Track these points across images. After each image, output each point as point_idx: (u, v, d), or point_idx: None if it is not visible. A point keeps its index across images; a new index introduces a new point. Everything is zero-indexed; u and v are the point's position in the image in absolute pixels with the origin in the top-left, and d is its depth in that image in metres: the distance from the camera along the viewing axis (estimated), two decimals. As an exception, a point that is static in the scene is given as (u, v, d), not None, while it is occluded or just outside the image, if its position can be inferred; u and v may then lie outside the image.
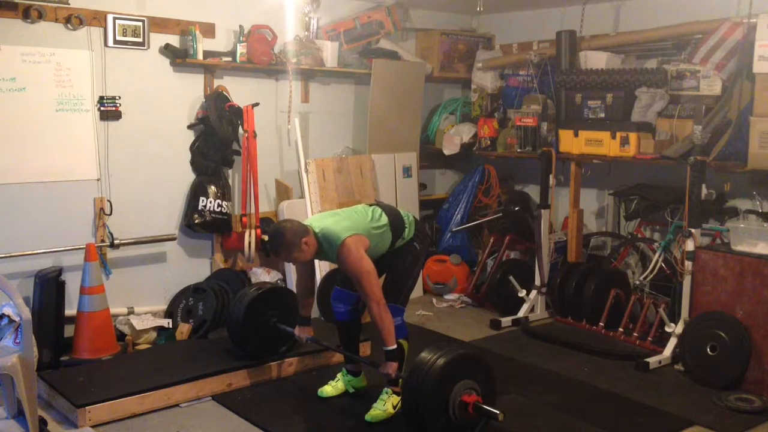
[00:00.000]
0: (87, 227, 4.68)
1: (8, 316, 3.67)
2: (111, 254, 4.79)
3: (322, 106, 5.80)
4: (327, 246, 3.59)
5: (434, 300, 6.04)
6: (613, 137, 5.14)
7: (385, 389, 3.78)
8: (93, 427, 3.56)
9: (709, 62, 4.80)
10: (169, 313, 4.92)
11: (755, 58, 4.44)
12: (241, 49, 5.11)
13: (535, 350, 4.87)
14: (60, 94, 4.48)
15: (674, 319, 4.66)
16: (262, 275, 5.19)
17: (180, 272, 5.10)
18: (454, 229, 6.35)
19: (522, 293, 5.46)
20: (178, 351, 4.43)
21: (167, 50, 4.86)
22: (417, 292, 6.09)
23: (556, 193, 5.64)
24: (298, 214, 4.97)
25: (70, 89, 4.51)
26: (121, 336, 4.62)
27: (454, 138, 6.30)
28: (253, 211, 5.20)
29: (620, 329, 5.00)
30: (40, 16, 4.31)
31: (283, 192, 5.48)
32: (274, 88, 5.49)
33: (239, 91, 5.20)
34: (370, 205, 3.88)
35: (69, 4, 4.43)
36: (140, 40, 4.71)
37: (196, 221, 4.97)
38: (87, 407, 3.56)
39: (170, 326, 4.80)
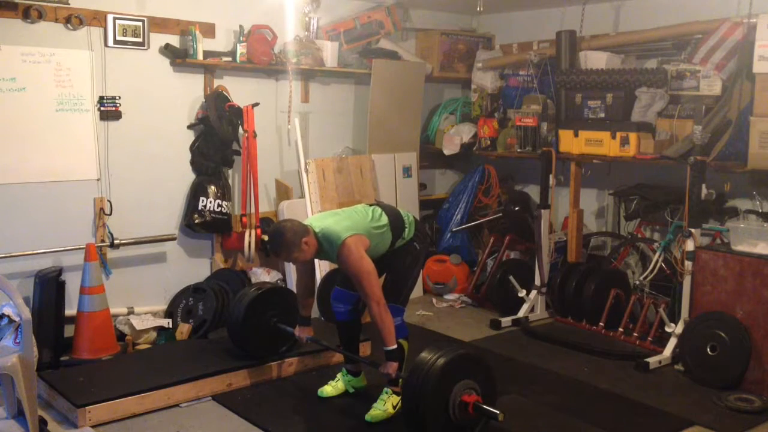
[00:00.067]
0: (87, 227, 4.68)
1: (8, 316, 3.67)
2: (111, 254, 4.79)
3: (322, 106, 5.80)
4: (327, 246, 3.59)
5: (434, 300, 6.04)
6: (613, 137, 5.14)
7: (385, 389, 3.78)
8: (93, 427, 3.56)
9: (709, 62, 4.80)
10: (169, 313, 4.92)
11: (755, 58, 4.44)
12: (241, 49, 5.11)
13: (535, 350, 4.87)
14: (60, 94, 4.48)
15: (674, 319, 4.66)
16: (262, 275, 5.19)
17: (180, 272, 5.10)
18: (454, 229, 6.35)
19: (522, 293, 5.46)
20: (178, 351, 4.43)
21: (167, 50, 4.86)
22: (417, 292, 6.09)
23: (556, 193, 5.64)
24: (298, 214, 4.97)
25: (70, 89, 4.51)
26: (121, 336, 4.62)
27: (454, 138, 6.30)
28: (253, 211, 5.20)
29: (620, 329, 5.00)
30: (40, 16, 4.31)
31: (283, 192, 5.48)
32: (274, 88, 5.49)
33: (239, 91, 5.20)
34: (370, 205, 3.88)
35: (69, 4, 4.43)
36: (140, 40, 4.72)
37: (196, 221, 4.97)
38: (87, 407, 3.56)
39: (170, 326, 4.80)
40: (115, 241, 4.69)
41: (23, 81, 4.32)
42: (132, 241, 4.79)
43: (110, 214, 4.71)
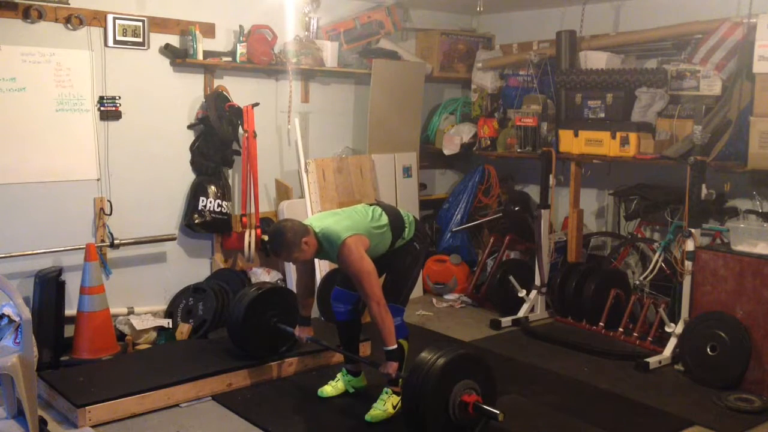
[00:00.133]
0: (87, 227, 4.68)
1: (8, 316, 3.67)
2: (111, 254, 4.79)
3: (322, 106, 5.80)
4: (327, 246, 3.59)
5: (434, 300, 6.04)
6: (613, 137, 5.14)
7: (385, 389, 3.78)
8: (93, 427, 3.56)
9: (709, 62, 4.80)
10: (169, 313, 4.92)
11: (755, 58, 4.44)
12: (241, 49, 5.11)
13: (535, 350, 4.87)
14: (60, 94, 4.48)
15: (674, 319, 4.66)
16: (262, 275, 5.19)
17: (180, 272, 5.10)
18: (454, 229, 6.35)
19: (522, 293, 5.46)
20: (178, 351, 4.43)
21: (167, 50, 4.86)
22: (417, 292, 6.09)
23: (556, 193, 5.64)
24: (298, 214, 4.97)
25: (70, 89, 4.51)
26: (121, 336, 4.62)
27: (454, 138, 6.30)
28: (253, 211, 5.20)
29: (620, 329, 5.00)
30: (40, 16, 4.31)
31: (283, 192, 5.49)
32: (274, 88, 5.49)
33: (239, 91, 5.20)
34: (371, 205, 3.88)
35: (69, 4, 4.43)
36: (140, 40, 4.72)
37: (196, 221, 4.97)
38: (87, 407, 3.56)
39: (170, 326, 4.80)
40: (115, 241, 4.69)
41: (23, 81, 4.32)
42: (132, 241, 4.79)
43: (110, 214, 4.71)
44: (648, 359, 4.50)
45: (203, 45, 4.93)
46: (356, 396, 4.01)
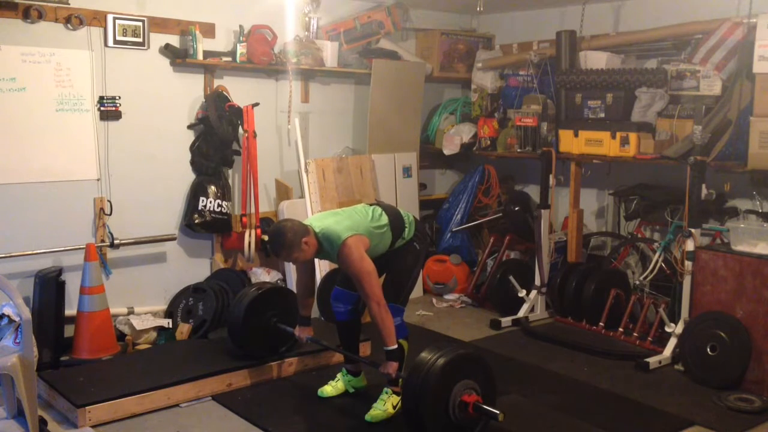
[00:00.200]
0: (87, 227, 4.68)
1: (8, 316, 3.68)
2: (111, 254, 4.79)
3: (322, 106, 5.80)
4: (328, 246, 3.59)
5: (434, 300, 6.04)
6: (613, 137, 5.14)
7: (385, 389, 3.78)
8: (93, 427, 3.56)
9: (709, 62, 4.80)
10: (169, 313, 4.92)
11: (755, 58, 4.44)
12: (241, 49, 5.11)
13: (535, 350, 4.87)
14: (60, 94, 4.48)
15: (674, 319, 4.66)
16: (262, 275, 5.19)
17: (180, 272, 5.10)
18: (454, 229, 6.35)
19: (522, 293, 5.46)
20: (178, 351, 4.43)
21: (167, 50, 4.86)
22: (417, 292, 6.09)
23: (556, 193, 5.64)
24: (298, 214, 4.97)
25: (70, 89, 4.51)
26: (121, 336, 4.62)
27: (454, 138, 6.30)
28: (253, 211, 5.20)
29: (620, 329, 5.00)
30: (40, 16, 4.31)
31: (283, 192, 5.49)
32: (274, 88, 5.49)
33: (239, 91, 5.20)
34: (371, 205, 3.88)
35: (69, 4, 4.43)
36: (140, 40, 4.72)
37: (196, 221, 4.97)
38: (87, 407, 3.56)
39: (170, 326, 4.79)
40: (115, 241, 4.69)
41: (23, 81, 4.32)
42: (132, 241, 4.79)
43: (110, 214, 4.71)
44: (648, 359, 4.50)
45: (203, 45, 4.93)
46: (356, 396, 4.01)
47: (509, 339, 5.12)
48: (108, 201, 4.71)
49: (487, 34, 6.68)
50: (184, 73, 4.99)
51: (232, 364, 4.11)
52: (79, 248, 4.51)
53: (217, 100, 5.03)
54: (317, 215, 3.91)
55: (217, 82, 5.14)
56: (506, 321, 5.38)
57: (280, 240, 3.51)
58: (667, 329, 4.60)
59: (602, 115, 5.32)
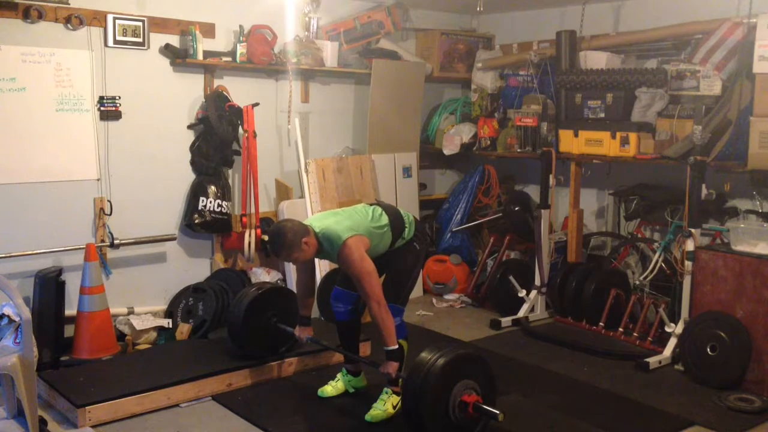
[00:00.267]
0: (87, 227, 4.68)
1: (8, 316, 3.67)
2: (111, 254, 4.79)
3: (322, 106, 5.80)
4: (328, 246, 3.59)
5: (434, 300, 6.04)
6: (613, 137, 5.14)
7: (385, 389, 3.78)
8: (93, 427, 3.56)
9: (709, 62, 4.80)
10: (169, 313, 4.92)
11: (755, 58, 4.44)
12: (241, 49, 5.11)
13: (535, 350, 4.87)
14: (60, 94, 4.48)
15: (674, 319, 4.66)
16: (262, 275, 5.19)
17: (180, 272, 5.10)
18: (454, 229, 6.35)
19: (522, 293, 5.46)
20: (178, 351, 4.43)
21: (167, 50, 4.86)
22: (417, 292, 6.09)
23: (556, 193, 5.64)
24: (298, 214, 4.97)
25: (70, 89, 4.51)
26: (121, 336, 4.62)
27: (454, 138, 6.30)
28: (253, 211, 5.20)
29: (620, 329, 4.99)
30: (40, 16, 4.31)
31: (283, 192, 5.49)
32: (274, 88, 5.49)
33: (239, 91, 5.20)
34: (371, 205, 3.88)
35: (69, 4, 4.43)
36: (140, 40, 4.72)
37: (196, 221, 4.97)
38: (87, 407, 3.56)
39: (170, 326, 4.79)
40: (115, 241, 4.69)
41: (23, 81, 4.33)
42: (132, 241, 4.79)
43: (110, 214, 4.71)
44: (648, 359, 4.50)
45: (203, 45, 4.93)
46: (356, 396, 4.01)
47: (509, 339, 5.12)
48: (108, 201, 4.71)
49: (487, 34, 6.68)
50: (184, 73, 4.99)
51: (232, 364, 4.11)
52: (79, 248, 4.51)
53: (217, 100, 5.03)
54: (317, 215, 3.90)
55: (217, 82, 5.14)
56: (506, 321, 5.38)
57: (280, 240, 3.51)
58: (667, 329, 4.60)
59: (602, 115, 5.32)
